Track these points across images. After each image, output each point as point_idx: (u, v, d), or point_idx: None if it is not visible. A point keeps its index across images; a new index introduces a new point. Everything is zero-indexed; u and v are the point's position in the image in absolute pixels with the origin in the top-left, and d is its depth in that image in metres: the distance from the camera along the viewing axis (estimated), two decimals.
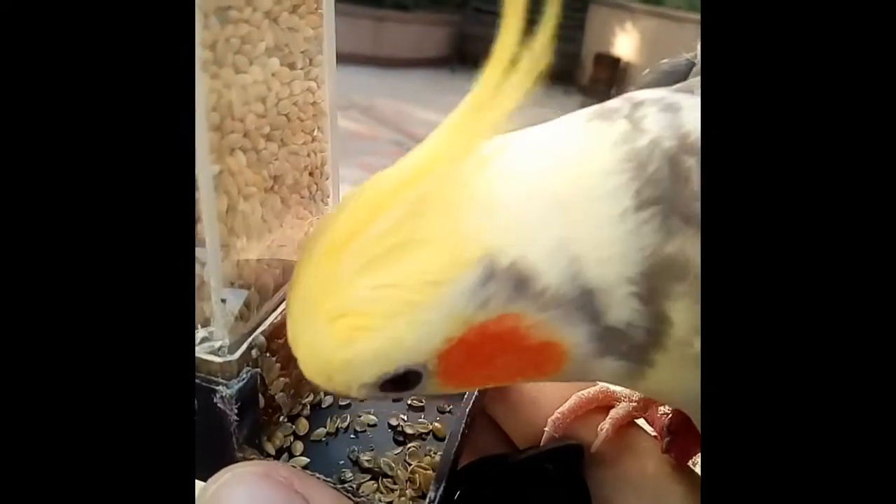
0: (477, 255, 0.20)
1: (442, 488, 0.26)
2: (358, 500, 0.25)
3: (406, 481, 0.28)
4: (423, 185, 0.20)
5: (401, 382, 0.22)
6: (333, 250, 0.21)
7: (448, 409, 0.32)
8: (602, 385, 0.33)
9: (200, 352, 0.24)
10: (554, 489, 0.29)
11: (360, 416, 0.31)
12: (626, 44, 6.83)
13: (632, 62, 6.76)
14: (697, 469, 0.31)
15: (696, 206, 0.21)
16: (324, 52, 0.27)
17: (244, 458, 0.26)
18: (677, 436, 0.30)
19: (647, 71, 0.29)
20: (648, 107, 0.23)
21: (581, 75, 7.16)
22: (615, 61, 6.77)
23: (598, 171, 0.21)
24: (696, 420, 0.27)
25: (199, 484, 0.25)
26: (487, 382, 0.25)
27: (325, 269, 0.21)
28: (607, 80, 6.68)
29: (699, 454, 0.31)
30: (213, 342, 0.24)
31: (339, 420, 0.30)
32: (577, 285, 0.21)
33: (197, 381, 0.24)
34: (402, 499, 0.27)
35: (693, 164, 0.21)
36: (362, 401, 0.32)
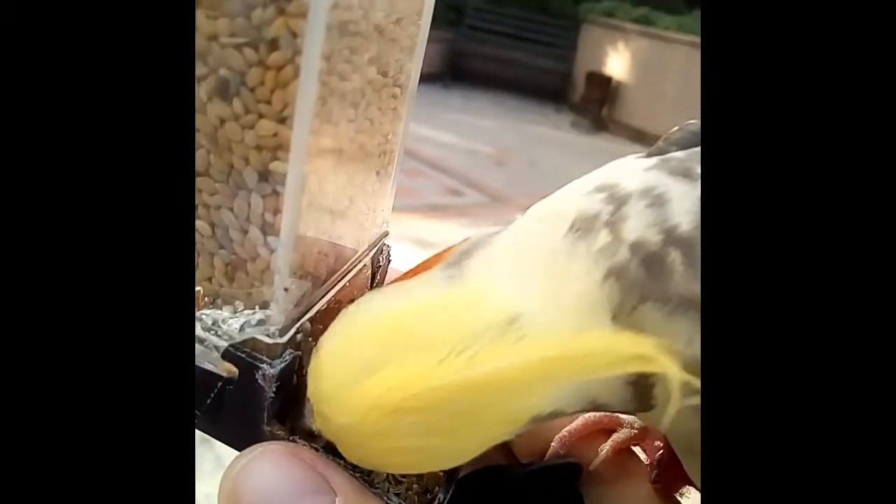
0: (525, 423, 0.23)
1: (452, 490, 0.27)
2: (374, 490, 0.27)
3: (414, 476, 0.30)
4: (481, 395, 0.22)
5: None
6: (380, 403, 0.22)
7: None
8: None
9: (255, 332, 0.25)
10: (552, 497, 0.31)
11: None
12: (617, 63, 6.88)
13: (623, 81, 6.80)
14: (683, 500, 0.33)
15: (679, 293, 0.22)
16: (413, 59, 0.28)
17: (271, 432, 0.27)
18: (666, 469, 0.32)
19: (675, 128, 0.30)
20: (634, 204, 0.24)
21: (573, 93, 7.22)
22: (607, 80, 6.82)
23: (577, 308, 0.23)
24: (682, 459, 0.29)
25: (227, 450, 0.27)
26: None
27: (369, 412, 0.23)
28: (599, 98, 6.78)
29: (684, 487, 0.33)
30: (268, 326, 0.25)
31: None
32: (587, 402, 0.24)
33: (242, 356, 0.26)
34: (409, 493, 0.29)
35: (677, 256, 0.22)
36: None
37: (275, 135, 0.22)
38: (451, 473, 0.29)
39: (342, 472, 0.26)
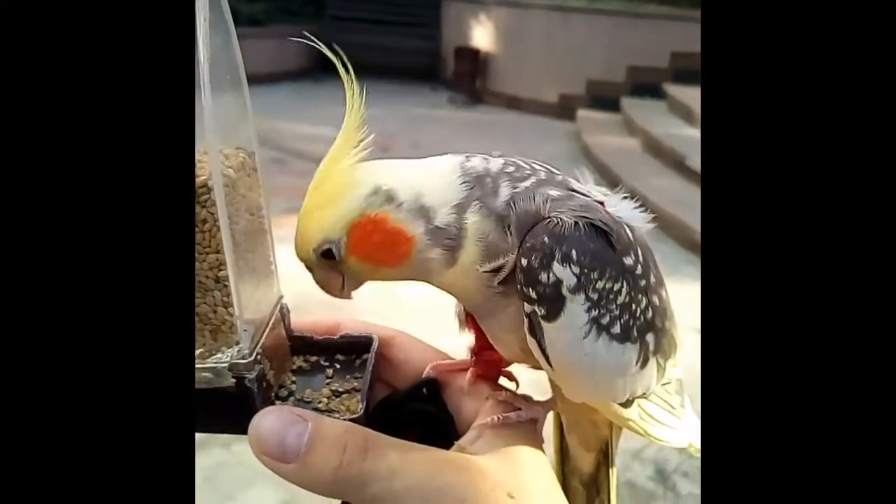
0: (371, 186, 0.49)
1: (364, 401, 0.52)
2: (332, 416, 0.51)
3: (345, 409, 0.54)
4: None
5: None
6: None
7: (359, 376, 0.58)
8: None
9: (237, 357, 0.49)
10: (426, 402, 0.57)
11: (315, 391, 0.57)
12: (482, 35, 7.30)
13: (490, 52, 7.20)
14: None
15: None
16: (263, 205, 0.54)
17: None
18: (478, 356, 0.59)
19: None
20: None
21: (445, 70, 7.55)
22: (475, 53, 7.23)
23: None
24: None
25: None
26: (377, 258, 0.50)
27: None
28: (470, 71, 7.19)
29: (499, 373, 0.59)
30: (243, 352, 0.49)
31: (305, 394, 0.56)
32: (419, 204, 0.49)
33: (235, 374, 0.49)
34: (344, 416, 0.53)
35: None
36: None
37: (217, 259, 0.48)
38: (363, 391, 0.54)
39: (311, 411, 0.50)
